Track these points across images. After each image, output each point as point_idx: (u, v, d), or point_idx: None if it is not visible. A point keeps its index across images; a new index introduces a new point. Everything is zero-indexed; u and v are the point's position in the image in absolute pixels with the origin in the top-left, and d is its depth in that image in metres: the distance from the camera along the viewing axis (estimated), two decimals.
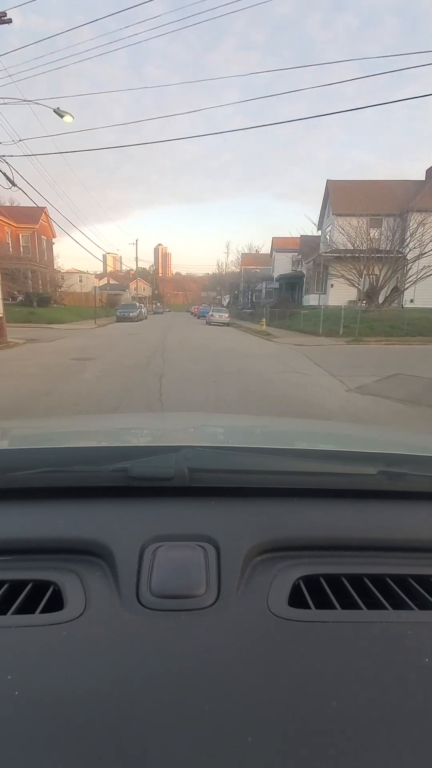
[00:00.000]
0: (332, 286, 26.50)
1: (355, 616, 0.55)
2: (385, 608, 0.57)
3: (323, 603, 0.58)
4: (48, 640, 0.50)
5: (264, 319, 20.35)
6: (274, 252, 42.45)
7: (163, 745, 0.38)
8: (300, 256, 35.47)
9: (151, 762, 0.37)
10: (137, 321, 30.35)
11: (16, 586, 0.59)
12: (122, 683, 0.44)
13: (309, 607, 0.57)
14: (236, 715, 0.41)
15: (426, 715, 0.42)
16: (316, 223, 30.59)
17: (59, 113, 13.25)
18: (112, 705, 0.42)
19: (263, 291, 43.47)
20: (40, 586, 0.59)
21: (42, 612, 0.55)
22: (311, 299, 28.29)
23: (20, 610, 0.55)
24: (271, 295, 41.51)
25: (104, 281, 77.41)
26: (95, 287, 25.78)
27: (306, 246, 34.31)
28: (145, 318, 37.00)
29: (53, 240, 38.05)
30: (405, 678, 0.46)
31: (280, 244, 41.94)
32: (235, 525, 0.70)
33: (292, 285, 35.06)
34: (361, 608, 0.57)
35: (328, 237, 27.24)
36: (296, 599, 0.58)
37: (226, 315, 28.68)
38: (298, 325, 20.89)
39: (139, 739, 0.39)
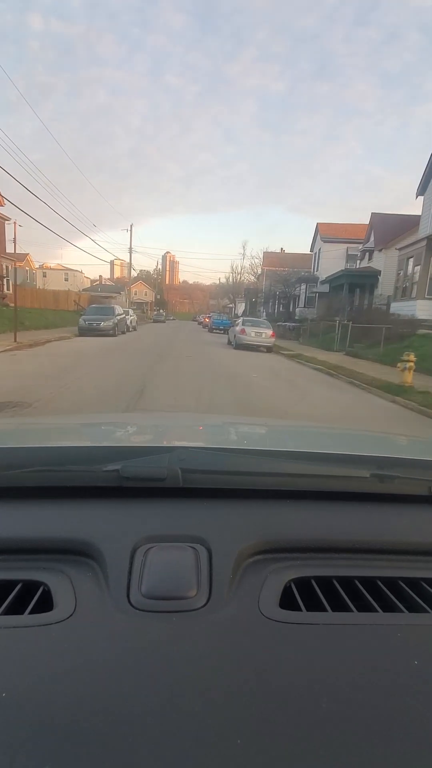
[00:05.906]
0: None
1: (346, 618, 0.55)
2: (375, 610, 0.57)
3: (314, 605, 0.58)
4: (37, 641, 0.50)
5: (411, 355, 7.49)
6: (321, 242, 29.97)
7: (154, 747, 0.38)
8: (372, 244, 23.10)
9: (141, 764, 0.37)
10: (112, 335, 17.96)
11: (5, 587, 0.58)
12: (112, 685, 0.44)
13: (300, 609, 0.56)
14: (227, 716, 0.41)
15: (415, 715, 0.42)
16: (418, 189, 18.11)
17: None
18: (102, 706, 0.41)
19: (301, 297, 31.35)
20: (30, 587, 0.58)
21: (31, 613, 0.54)
22: (409, 309, 15.73)
23: (9, 611, 0.54)
24: (312, 303, 29.44)
25: (107, 282, 65.88)
26: (25, 270, 13.46)
27: (384, 228, 22.25)
28: (133, 329, 24.62)
29: (5, 215, 25.84)
30: (394, 679, 0.47)
31: (329, 232, 29.55)
32: (227, 526, 0.70)
33: (353, 287, 22.70)
34: (351, 610, 0.57)
35: None
36: (287, 601, 0.58)
37: (270, 332, 15.91)
38: None
39: (129, 740, 0.38)
